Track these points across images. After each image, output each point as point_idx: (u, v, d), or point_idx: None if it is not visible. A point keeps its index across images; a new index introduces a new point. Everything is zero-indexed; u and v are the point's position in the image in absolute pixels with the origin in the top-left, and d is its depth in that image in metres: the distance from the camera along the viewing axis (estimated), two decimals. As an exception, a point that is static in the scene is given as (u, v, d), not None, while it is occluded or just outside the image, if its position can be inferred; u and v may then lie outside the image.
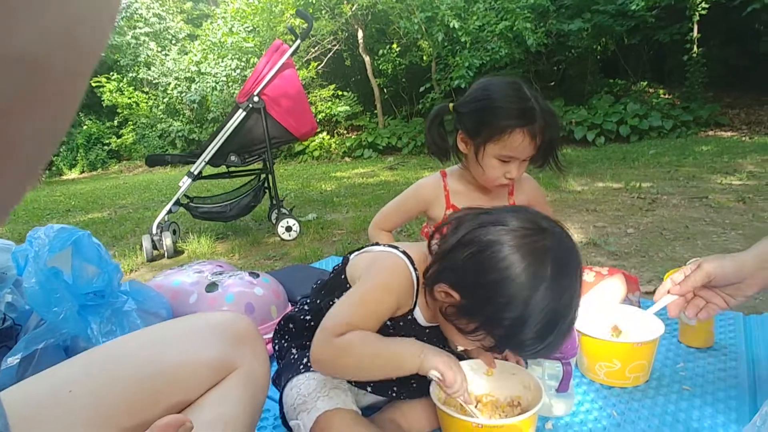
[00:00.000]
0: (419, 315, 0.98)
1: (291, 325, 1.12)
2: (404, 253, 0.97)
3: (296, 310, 1.13)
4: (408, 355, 0.87)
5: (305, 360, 1.00)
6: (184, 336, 0.73)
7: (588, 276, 1.44)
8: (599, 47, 7.99)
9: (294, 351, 1.07)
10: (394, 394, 1.02)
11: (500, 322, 0.81)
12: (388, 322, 0.97)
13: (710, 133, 6.58)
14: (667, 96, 7.44)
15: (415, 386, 1.02)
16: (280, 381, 1.03)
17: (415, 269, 0.95)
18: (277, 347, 1.14)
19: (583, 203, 3.29)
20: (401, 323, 0.98)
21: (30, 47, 0.16)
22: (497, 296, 0.79)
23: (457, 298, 0.85)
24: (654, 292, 1.77)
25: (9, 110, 0.16)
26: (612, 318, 1.27)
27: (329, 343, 0.87)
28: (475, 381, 1.03)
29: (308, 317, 1.08)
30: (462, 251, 0.84)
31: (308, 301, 1.12)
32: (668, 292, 1.07)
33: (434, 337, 1.01)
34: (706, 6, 6.70)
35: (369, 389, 1.02)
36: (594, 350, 1.17)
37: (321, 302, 1.04)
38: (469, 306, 0.84)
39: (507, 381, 1.02)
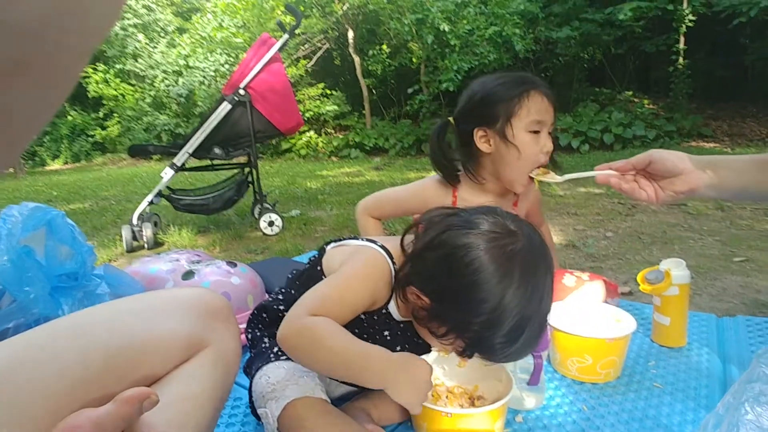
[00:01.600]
0: (393, 309, 0.98)
1: (264, 315, 1.11)
2: (382, 247, 0.96)
3: (270, 299, 1.12)
4: (371, 373, 0.84)
5: (276, 349, 0.99)
6: (155, 309, 0.72)
7: (568, 280, 1.44)
8: (586, 56, 8.09)
9: (266, 340, 1.06)
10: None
11: (469, 326, 0.80)
12: (362, 316, 0.96)
13: (693, 143, 6.69)
14: (651, 106, 7.55)
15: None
16: (250, 370, 1.02)
17: (394, 263, 0.95)
18: (250, 336, 1.13)
19: (564, 207, 3.32)
20: (375, 317, 0.98)
21: (38, 19, 0.16)
22: (466, 301, 0.79)
23: (427, 302, 0.84)
24: (630, 293, 1.80)
25: (10, 75, 0.16)
26: (586, 314, 1.29)
27: (298, 320, 0.84)
28: (446, 371, 1.04)
29: (282, 307, 1.07)
30: (431, 254, 0.84)
31: (283, 290, 1.11)
32: (609, 167, 1.10)
33: (408, 331, 1.01)
34: (693, 18, 6.82)
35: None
36: (566, 345, 1.18)
37: (295, 293, 1.03)
38: (438, 310, 0.84)
39: (478, 372, 1.02)
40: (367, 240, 1.00)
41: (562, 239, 2.52)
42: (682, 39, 7.23)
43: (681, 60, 7.26)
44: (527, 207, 1.45)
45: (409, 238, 0.93)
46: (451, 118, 1.31)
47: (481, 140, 1.26)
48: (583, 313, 1.29)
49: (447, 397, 0.98)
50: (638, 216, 2.98)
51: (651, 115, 7.13)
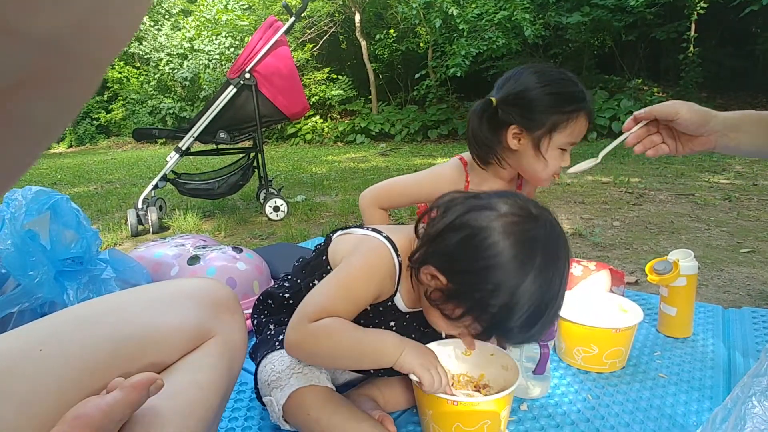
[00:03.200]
0: (399, 301, 0.98)
1: (270, 301, 1.11)
2: (387, 238, 0.95)
3: (276, 286, 1.12)
4: (387, 350, 0.86)
5: (281, 337, 0.99)
6: (162, 300, 0.72)
7: (576, 269, 1.44)
8: (596, 42, 7.98)
9: (272, 327, 1.06)
10: (371, 371, 1.02)
11: (487, 308, 0.80)
12: (368, 307, 0.96)
13: (701, 132, 6.62)
14: (661, 94, 7.46)
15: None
16: (256, 356, 1.02)
17: (398, 255, 0.94)
18: (255, 322, 1.13)
19: (571, 195, 3.30)
20: (381, 308, 0.98)
21: (55, 30, 0.16)
22: (486, 283, 0.78)
23: (444, 282, 0.83)
24: (636, 282, 1.79)
25: (23, 86, 0.16)
26: (592, 303, 1.28)
27: (304, 327, 0.86)
28: (452, 360, 1.03)
29: (287, 295, 1.07)
30: (452, 235, 0.83)
31: (289, 278, 1.11)
32: (634, 117, 1.13)
33: (414, 322, 1.01)
34: (705, 6, 6.71)
35: None
36: (572, 335, 1.18)
37: (301, 282, 1.04)
38: (456, 291, 0.83)
39: (485, 361, 1.02)
40: (372, 230, 0.98)
41: (568, 228, 2.50)
42: (693, 27, 7.12)
43: (692, 48, 7.15)
44: (528, 192, 1.44)
45: (423, 224, 0.92)
46: (493, 99, 1.25)
47: (513, 137, 1.22)
48: (590, 303, 1.28)
49: (452, 384, 0.98)
50: (646, 205, 2.95)
51: (660, 103, 7.05)
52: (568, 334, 1.18)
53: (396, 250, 0.94)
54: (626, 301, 1.26)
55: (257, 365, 1.00)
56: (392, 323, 1.00)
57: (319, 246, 1.07)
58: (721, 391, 1.10)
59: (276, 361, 0.95)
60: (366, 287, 0.91)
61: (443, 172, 1.34)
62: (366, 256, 0.93)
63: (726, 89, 7.53)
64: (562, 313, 1.15)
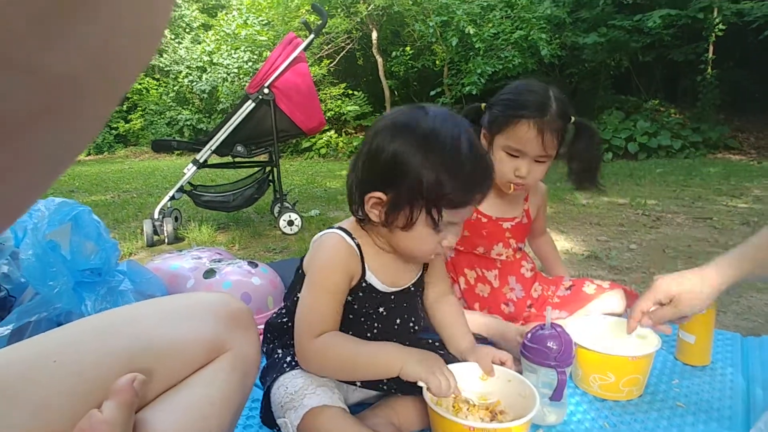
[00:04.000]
0: (374, 280, 1.01)
1: (272, 330, 1.13)
2: (338, 228, 1.01)
3: (274, 316, 1.15)
4: (390, 361, 0.92)
5: (289, 358, 1.01)
6: (177, 313, 0.72)
7: (588, 288, 1.43)
8: (613, 62, 7.96)
9: (279, 351, 1.07)
10: (384, 388, 1.02)
11: (421, 191, 0.88)
12: (349, 298, 0.99)
13: (719, 155, 6.56)
14: (677, 116, 7.41)
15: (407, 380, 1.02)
16: (265, 381, 1.03)
17: (353, 237, 0.99)
18: (264, 349, 1.13)
19: (587, 216, 3.28)
20: (360, 294, 1.00)
21: (71, 66, 0.16)
22: (403, 174, 0.88)
23: (383, 197, 0.90)
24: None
25: (39, 119, 0.17)
26: (609, 329, 1.26)
27: (307, 345, 0.93)
28: (469, 384, 1.02)
29: (285, 319, 1.09)
30: (366, 163, 0.93)
31: (283, 304, 1.15)
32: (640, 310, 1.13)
33: (403, 302, 1.05)
34: (723, 28, 6.68)
35: (358, 384, 1.01)
36: (589, 362, 1.16)
37: (291, 305, 1.06)
38: (393, 197, 0.90)
39: (501, 386, 1.01)
40: (327, 229, 1.04)
41: (584, 249, 2.48)
42: (711, 48, 7.09)
43: (710, 70, 7.12)
44: (536, 208, 1.51)
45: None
46: (482, 105, 1.38)
47: (483, 137, 1.35)
48: (606, 329, 1.26)
49: (468, 409, 0.96)
50: (663, 229, 2.92)
51: (677, 125, 6.99)
52: (584, 360, 1.17)
53: (349, 234, 0.99)
54: (645, 329, 1.24)
55: (267, 389, 1.00)
56: (380, 309, 1.03)
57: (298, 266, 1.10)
58: (740, 421, 1.08)
59: (288, 383, 0.96)
60: (334, 277, 0.96)
61: None
62: (322, 251, 0.99)
63: (744, 111, 7.46)
64: (579, 339, 1.14)
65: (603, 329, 1.26)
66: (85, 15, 0.16)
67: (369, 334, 1.03)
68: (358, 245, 0.98)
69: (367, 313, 1.02)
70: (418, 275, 1.10)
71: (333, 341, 0.94)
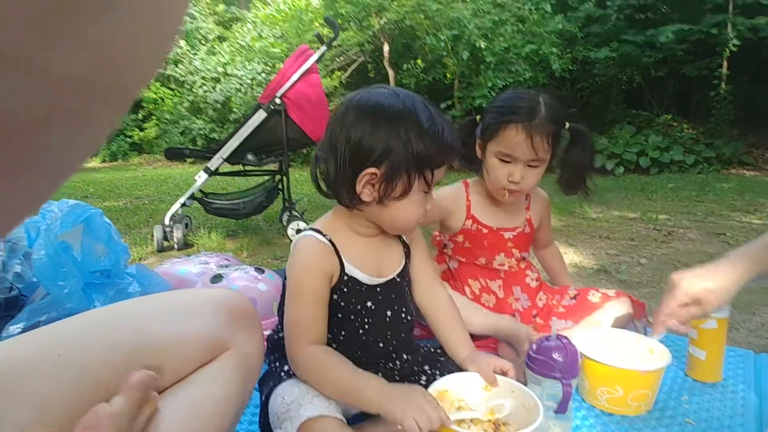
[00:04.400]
0: (356, 272, 1.00)
1: (272, 345, 1.12)
2: (310, 228, 1.02)
3: (272, 331, 1.15)
4: (369, 398, 0.91)
5: (287, 367, 1.01)
6: (180, 309, 0.72)
7: (594, 297, 1.42)
8: (625, 77, 7.95)
9: (277, 363, 1.07)
10: None
11: (411, 155, 0.92)
12: (335, 296, 0.99)
13: (733, 171, 6.49)
14: (690, 131, 7.36)
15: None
16: (263, 389, 1.03)
17: (324, 235, 0.99)
18: (267, 361, 1.13)
19: (596, 230, 3.25)
20: (345, 289, 1.00)
21: (73, 66, 0.16)
22: (386, 138, 0.91)
23: (377, 171, 0.92)
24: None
25: (43, 121, 0.17)
26: (617, 341, 1.25)
27: (298, 355, 0.95)
28: (472, 395, 1.01)
29: (281, 335, 1.08)
30: (345, 144, 0.94)
31: (278, 320, 1.14)
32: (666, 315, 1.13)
33: (391, 293, 1.05)
34: (737, 43, 6.65)
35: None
36: (597, 375, 1.14)
37: (281, 316, 1.06)
38: (388, 168, 0.92)
39: (505, 398, 1.00)
40: (301, 233, 1.04)
41: (594, 263, 2.46)
42: (725, 64, 7.06)
43: (723, 85, 7.07)
44: (539, 217, 1.51)
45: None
46: (478, 117, 1.41)
47: (478, 147, 1.38)
48: (615, 341, 1.25)
49: (471, 420, 0.95)
50: (674, 243, 2.89)
51: (690, 140, 6.94)
52: (592, 373, 1.15)
53: (319, 232, 1.00)
54: (655, 342, 1.22)
55: (266, 398, 1.00)
56: (368, 303, 1.02)
57: None
58: (753, 440, 1.06)
59: (285, 393, 0.96)
60: (311, 283, 0.96)
61: (445, 193, 1.46)
62: (296, 258, 0.99)
63: (759, 127, 7.39)
64: (587, 351, 1.13)
65: (611, 341, 1.24)
66: (87, 15, 0.15)
67: (361, 331, 1.03)
68: (330, 241, 0.99)
69: (355, 309, 1.01)
70: (403, 265, 1.09)
71: (324, 357, 0.94)
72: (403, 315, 1.08)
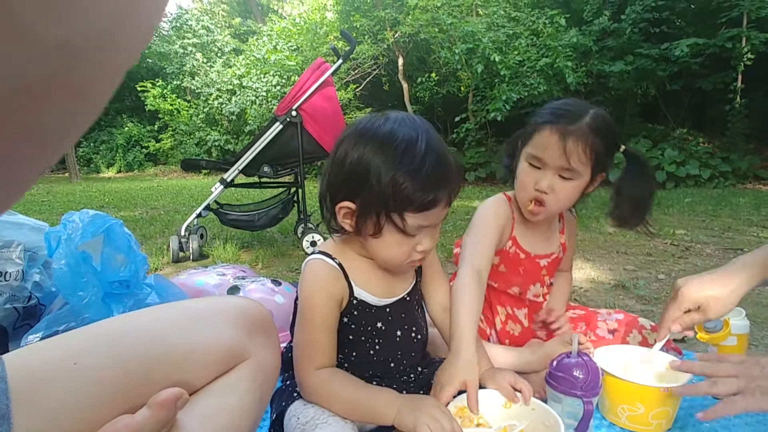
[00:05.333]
0: (365, 294, 0.99)
1: (284, 363, 1.12)
2: (320, 252, 1.00)
3: (285, 349, 1.14)
4: (383, 410, 0.90)
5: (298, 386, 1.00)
6: (198, 318, 0.72)
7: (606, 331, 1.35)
8: (640, 91, 7.91)
9: (288, 381, 1.07)
10: None
11: (385, 197, 0.86)
12: (345, 319, 0.98)
13: (749, 185, 6.41)
14: (706, 144, 7.29)
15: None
16: (274, 405, 1.03)
17: (332, 258, 0.97)
18: (281, 378, 1.13)
19: (614, 245, 3.22)
20: (354, 312, 0.99)
21: (70, 35, 0.16)
22: (364, 180, 0.87)
23: (352, 205, 0.90)
24: (683, 339, 1.71)
25: (37, 89, 0.17)
26: (637, 358, 1.22)
27: (307, 379, 0.94)
28: (492, 411, 1.00)
29: (290, 354, 1.08)
30: (333, 172, 0.92)
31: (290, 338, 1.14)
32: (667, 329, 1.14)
33: (401, 313, 1.03)
34: (752, 57, 6.60)
35: None
36: (617, 392, 1.12)
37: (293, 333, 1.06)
38: (361, 203, 0.89)
39: (525, 415, 0.98)
40: (310, 255, 1.03)
41: (611, 278, 2.43)
42: (740, 77, 7.00)
43: (738, 99, 7.01)
44: (568, 239, 1.42)
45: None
46: None
47: (521, 157, 1.26)
48: (635, 358, 1.23)
49: (490, 437, 0.94)
50: (692, 259, 2.85)
51: (706, 154, 6.88)
52: (613, 390, 1.13)
53: (328, 255, 0.98)
54: (674, 358, 1.20)
55: (277, 413, 1.00)
56: (379, 324, 1.01)
57: None
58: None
59: (300, 414, 0.95)
60: (320, 308, 0.95)
61: (497, 209, 1.31)
62: (305, 282, 0.97)
63: (775, 142, 7.31)
64: (608, 367, 1.11)
65: (631, 358, 1.22)
66: None
67: (372, 352, 1.02)
68: (339, 264, 0.97)
69: (366, 331, 1.00)
70: (413, 283, 1.08)
71: (332, 379, 0.93)
72: (413, 334, 1.06)
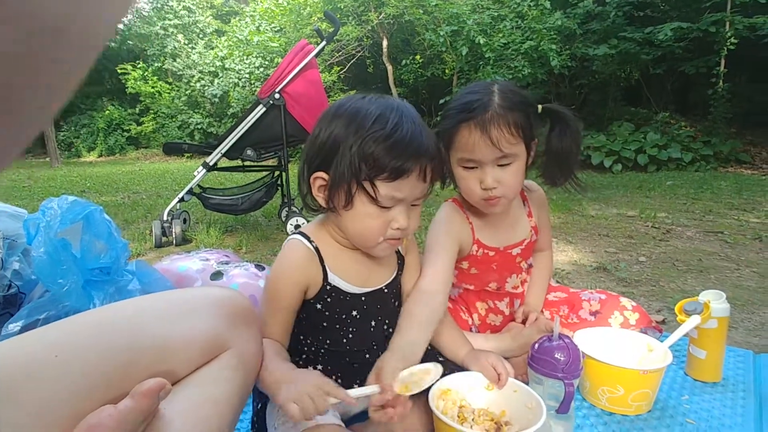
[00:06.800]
0: (339, 281, 0.98)
1: None
2: (300, 233, 1.00)
3: None
4: (269, 382, 0.86)
5: None
6: (180, 308, 0.72)
7: (616, 319, 1.33)
8: (623, 74, 7.95)
9: None
10: None
11: (351, 162, 0.87)
12: (318, 305, 0.97)
13: (730, 169, 6.50)
14: (688, 128, 7.37)
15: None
16: (255, 397, 1.02)
17: (311, 241, 0.97)
18: None
19: (595, 228, 3.26)
20: (328, 299, 0.98)
21: (56, 13, 0.16)
22: (334, 145, 0.89)
23: (325, 176, 0.91)
24: (663, 322, 1.74)
25: (19, 71, 0.17)
26: (617, 341, 1.25)
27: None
28: (474, 393, 1.01)
29: None
30: (308, 144, 0.95)
31: None
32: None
33: (376, 304, 1.02)
34: (735, 41, 6.66)
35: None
36: (598, 374, 1.14)
37: None
38: (333, 175, 0.90)
39: (507, 397, 1.00)
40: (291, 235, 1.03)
41: (592, 261, 2.46)
42: (723, 62, 7.06)
43: (721, 83, 7.08)
44: (538, 214, 1.36)
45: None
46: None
47: (452, 163, 1.19)
48: (615, 340, 1.25)
49: (473, 419, 0.95)
50: (673, 242, 2.89)
51: (688, 137, 6.95)
52: (593, 372, 1.15)
53: (306, 237, 0.98)
54: (654, 341, 1.23)
55: (261, 402, 0.99)
56: (353, 312, 1.00)
57: None
58: (752, 440, 1.06)
59: None
60: (284, 290, 0.95)
61: (449, 218, 1.28)
62: (278, 261, 0.98)
63: (756, 125, 7.41)
64: (588, 350, 1.13)
65: (610, 340, 1.24)
66: None
67: (345, 340, 1.01)
68: (316, 248, 0.97)
69: (340, 318, 1.00)
70: (393, 276, 1.06)
71: (264, 348, 0.89)
72: (385, 326, 1.05)
